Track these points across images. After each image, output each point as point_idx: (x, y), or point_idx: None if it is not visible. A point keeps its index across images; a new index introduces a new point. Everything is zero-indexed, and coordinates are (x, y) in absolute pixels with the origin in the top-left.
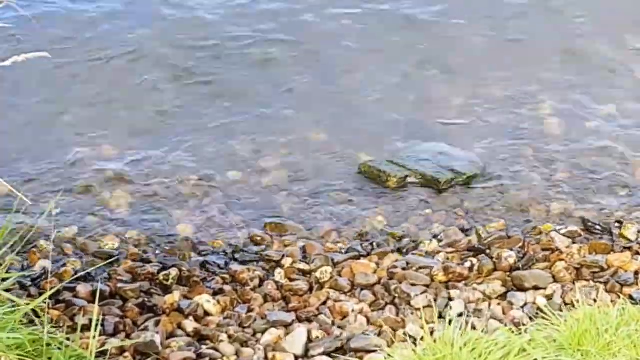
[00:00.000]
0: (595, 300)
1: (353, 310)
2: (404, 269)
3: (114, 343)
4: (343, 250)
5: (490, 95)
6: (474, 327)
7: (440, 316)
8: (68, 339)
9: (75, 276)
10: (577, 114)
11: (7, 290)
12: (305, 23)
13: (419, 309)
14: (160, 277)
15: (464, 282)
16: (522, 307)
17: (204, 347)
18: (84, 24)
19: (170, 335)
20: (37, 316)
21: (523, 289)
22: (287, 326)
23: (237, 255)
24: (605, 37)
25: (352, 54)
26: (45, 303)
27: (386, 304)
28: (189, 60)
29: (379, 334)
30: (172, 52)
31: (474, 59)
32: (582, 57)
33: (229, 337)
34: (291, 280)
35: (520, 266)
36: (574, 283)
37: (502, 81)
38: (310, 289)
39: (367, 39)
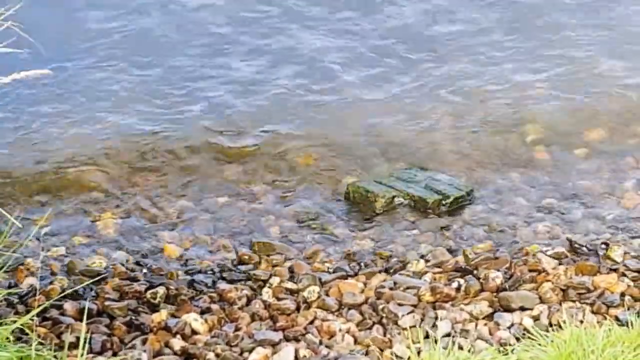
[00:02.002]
0: (581, 322)
1: (340, 330)
2: (391, 288)
3: None
4: (330, 270)
5: (479, 119)
6: (460, 347)
7: (427, 336)
8: (55, 357)
9: (63, 294)
10: (565, 138)
11: None
12: (292, 40)
13: (406, 329)
14: (148, 295)
15: (451, 302)
16: (509, 327)
17: None
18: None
19: (158, 353)
20: (25, 333)
21: (510, 310)
22: (274, 345)
23: (224, 274)
24: (597, 61)
25: (339, 77)
26: (32, 320)
27: (373, 323)
28: (177, 82)
29: (366, 354)
30: (153, 73)
31: (464, 81)
32: (570, 82)
33: (216, 355)
34: (279, 299)
35: (507, 287)
36: (560, 304)
37: (490, 104)
38: (298, 308)
39: (354, 61)
